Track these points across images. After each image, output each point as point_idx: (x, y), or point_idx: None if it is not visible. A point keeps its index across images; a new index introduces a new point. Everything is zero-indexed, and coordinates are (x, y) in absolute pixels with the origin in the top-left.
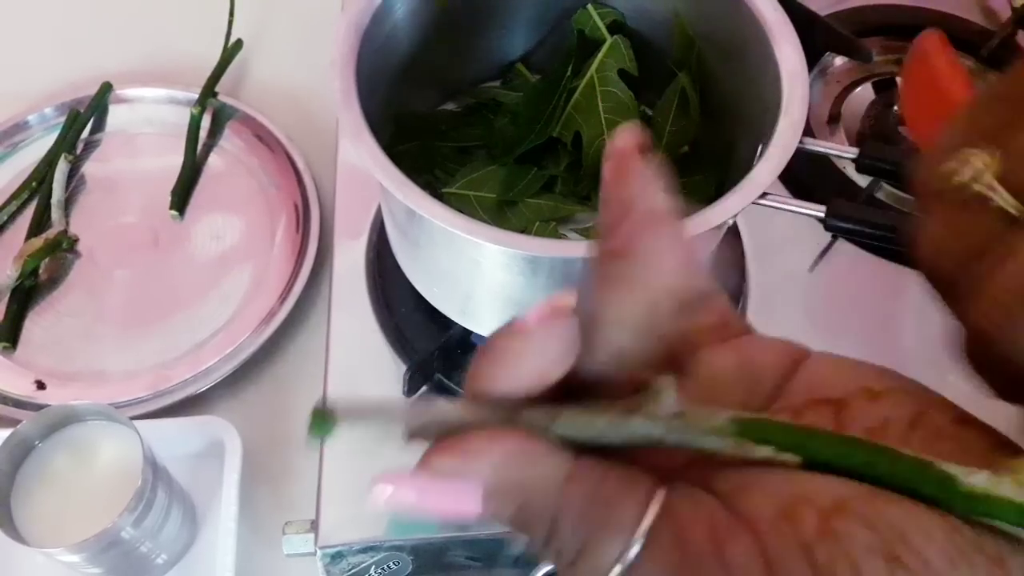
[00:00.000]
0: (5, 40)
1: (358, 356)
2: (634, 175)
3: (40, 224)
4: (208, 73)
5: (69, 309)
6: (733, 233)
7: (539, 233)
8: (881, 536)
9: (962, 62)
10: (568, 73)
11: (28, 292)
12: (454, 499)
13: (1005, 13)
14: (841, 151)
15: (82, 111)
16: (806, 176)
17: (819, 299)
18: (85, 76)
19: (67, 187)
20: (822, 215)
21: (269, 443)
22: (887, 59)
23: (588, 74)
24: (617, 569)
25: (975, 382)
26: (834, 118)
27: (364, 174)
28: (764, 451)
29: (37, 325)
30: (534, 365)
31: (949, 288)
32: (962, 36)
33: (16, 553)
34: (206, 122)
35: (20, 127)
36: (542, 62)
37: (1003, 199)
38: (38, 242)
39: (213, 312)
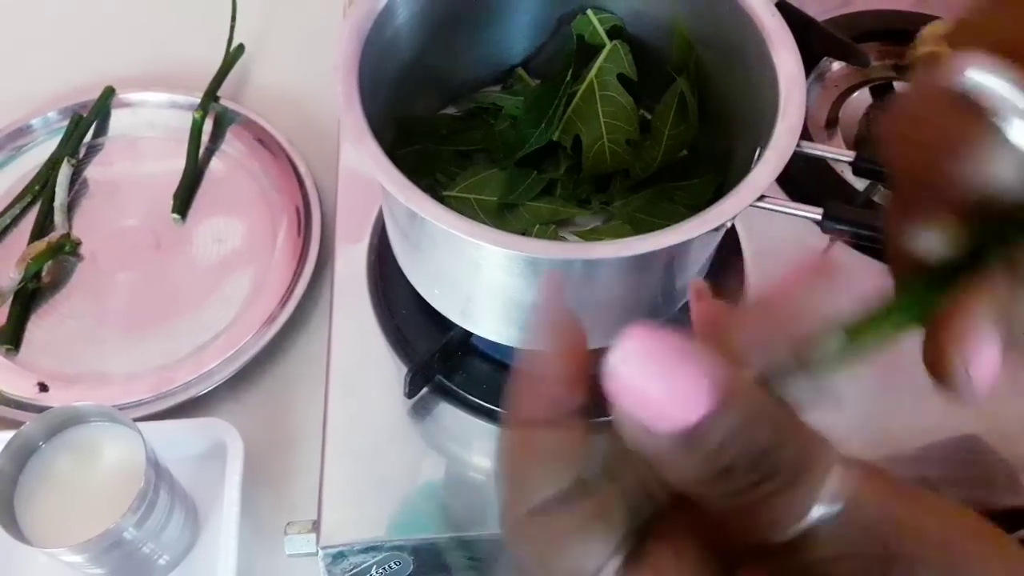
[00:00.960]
0: (9, 44)
1: (359, 358)
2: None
3: (43, 227)
4: (210, 78)
5: (72, 312)
6: (731, 235)
7: (539, 236)
8: None
9: None
10: (568, 78)
11: (31, 295)
12: (683, 388)
13: None
14: (838, 155)
15: (85, 115)
16: (803, 179)
17: None
18: (88, 80)
19: (70, 190)
20: (819, 217)
21: (271, 444)
22: (884, 64)
23: (588, 79)
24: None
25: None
26: (831, 122)
27: (365, 178)
28: None
29: (40, 327)
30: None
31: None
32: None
33: (19, 553)
34: (208, 126)
35: (24, 131)
36: (542, 67)
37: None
38: (41, 245)
39: (215, 315)
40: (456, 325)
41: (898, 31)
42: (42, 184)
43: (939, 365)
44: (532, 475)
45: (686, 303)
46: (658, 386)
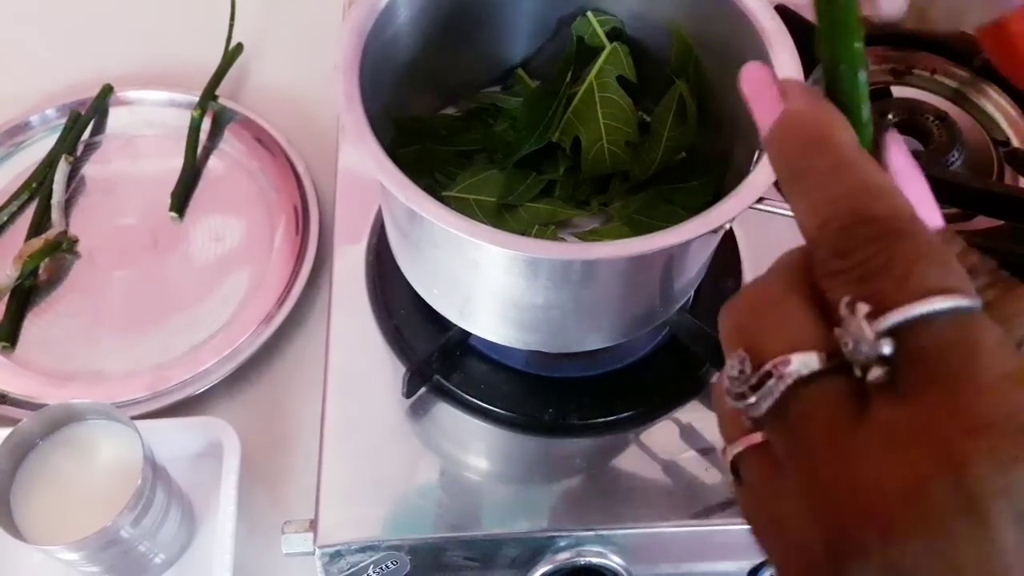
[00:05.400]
0: (7, 42)
1: (357, 357)
2: None
3: (40, 225)
4: (209, 76)
5: (68, 309)
6: (729, 237)
7: (538, 236)
8: None
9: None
10: (567, 79)
11: (27, 292)
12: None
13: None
14: None
15: (83, 113)
16: None
17: None
18: (86, 78)
19: (67, 188)
20: None
21: (268, 444)
22: (881, 69)
23: (587, 80)
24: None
25: None
26: None
27: (364, 178)
28: None
29: (36, 325)
30: None
31: None
32: (955, 47)
33: (15, 551)
34: (206, 125)
35: (21, 128)
36: (542, 68)
37: None
38: (38, 243)
39: (212, 313)
40: (455, 325)
41: (895, 36)
42: (39, 181)
43: None
44: None
45: (685, 303)
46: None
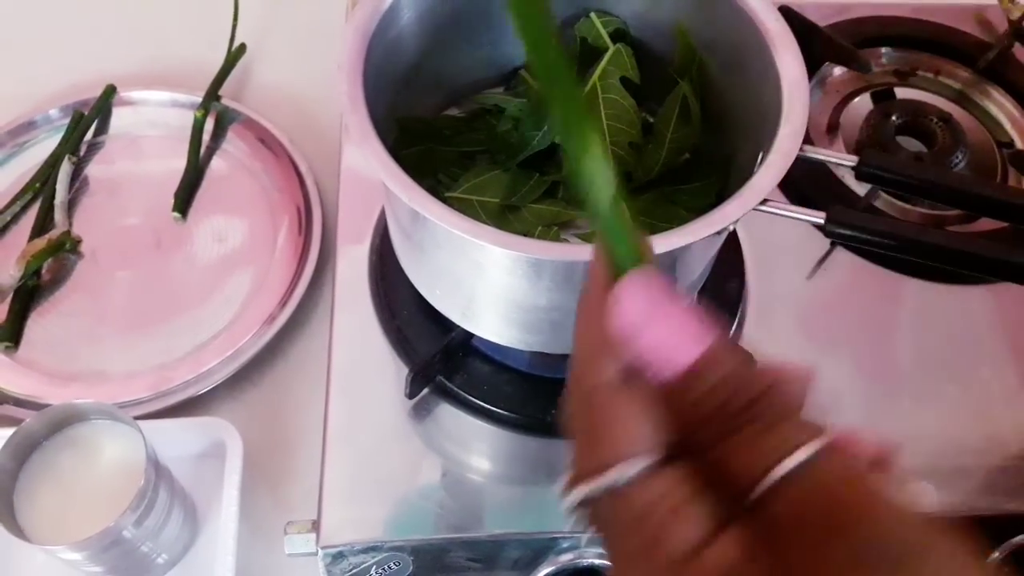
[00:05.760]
0: (11, 42)
1: (360, 358)
2: None
3: (43, 225)
4: (212, 77)
5: (71, 309)
6: (733, 239)
7: (541, 237)
8: None
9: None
10: None
11: (31, 292)
12: (682, 335)
13: (1002, 26)
14: (840, 159)
15: (86, 113)
16: (805, 184)
17: (817, 306)
18: (90, 78)
19: (70, 188)
20: (822, 221)
21: (270, 444)
22: (885, 70)
23: (591, 81)
24: None
25: None
26: (832, 127)
27: (367, 178)
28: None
29: (39, 325)
30: None
31: None
32: (959, 48)
33: (18, 551)
34: (209, 125)
35: (25, 128)
36: None
37: None
38: (41, 243)
39: (215, 314)
40: (457, 326)
41: (899, 38)
42: (43, 181)
43: None
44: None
45: None
46: (663, 326)
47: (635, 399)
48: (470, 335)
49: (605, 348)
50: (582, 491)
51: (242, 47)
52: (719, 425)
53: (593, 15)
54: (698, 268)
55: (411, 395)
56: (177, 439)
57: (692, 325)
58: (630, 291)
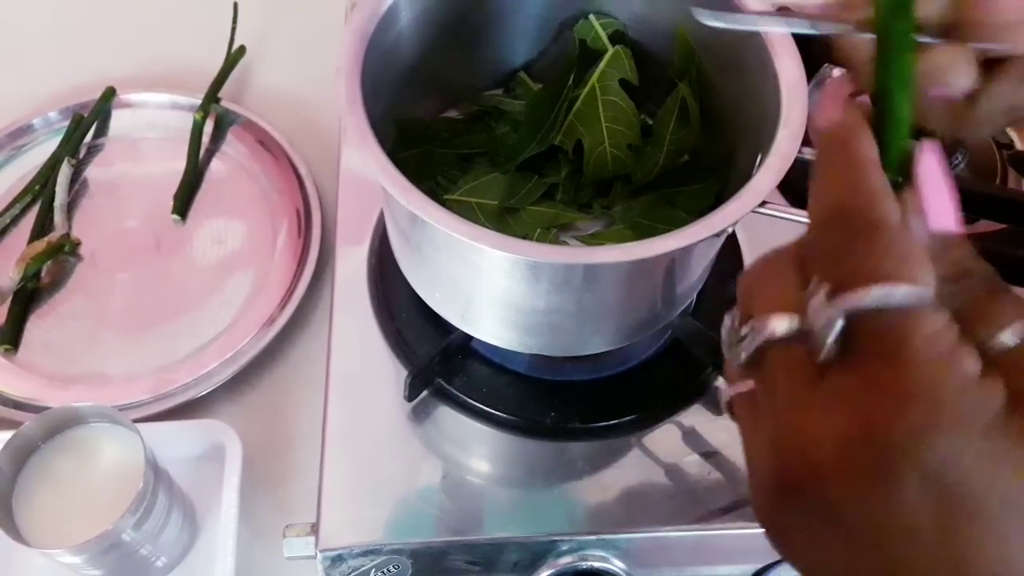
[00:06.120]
0: (10, 44)
1: (359, 360)
2: None
3: (43, 227)
4: (211, 79)
5: (71, 312)
6: (732, 241)
7: (540, 240)
8: None
9: None
10: (570, 82)
11: (30, 295)
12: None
13: None
14: None
15: (86, 115)
16: (804, 186)
17: None
18: (89, 80)
19: (70, 191)
20: None
21: (270, 447)
22: None
23: (590, 83)
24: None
25: None
26: None
27: (366, 180)
28: None
29: (39, 328)
30: None
31: None
32: None
33: (17, 554)
34: (209, 127)
35: (24, 130)
36: (544, 71)
37: None
38: (40, 245)
39: (214, 316)
40: (456, 329)
41: None
42: (42, 184)
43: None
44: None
45: (687, 307)
46: (943, 195)
47: (919, 241)
48: (469, 337)
49: (878, 181)
50: (874, 294)
51: (241, 49)
52: (960, 284)
53: (592, 17)
54: (697, 270)
55: (410, 398)
56: (176, 441)
57: (955, 204)
58: (932, 149)
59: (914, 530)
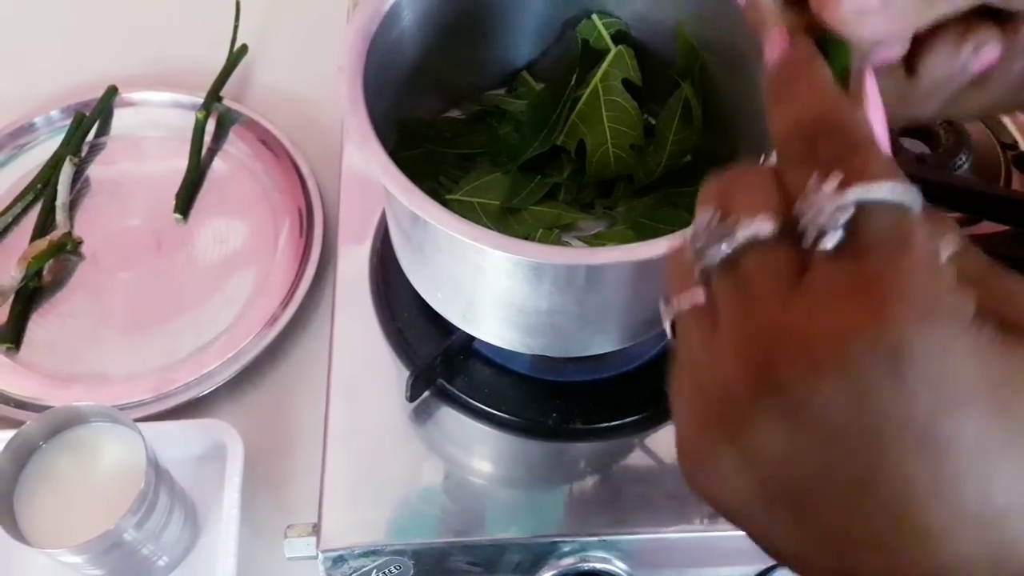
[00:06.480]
0: (12, 43)
1: (361, 360)
2: None
3: (44, 226)
4: (213, 78)
5: (72, 311)
6: None
7: (542, 240)
8: None
9: None
10: (572, 82)
11: (32, 294)
12: None
13: None
14: None
15: (87, 114)
16: None
17: None
18: (91, 79)
19: (72, 189)
20: None
21: (271, 446)
22: None
23: (592, 83)
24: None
25: None
26: None
27: (368, 180)
28: None
29: (40, 327)
30: None
31: None
32: None
33: (18, 554)
34: (211, 126)
35: (26, 129)
36: (547, 71)
37: None
38: (42, 244)
39: (216, 315)
40: (458, 329)
41: None
42: (44, 183)
43: None
44: None
45: None
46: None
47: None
48: (471, 338)
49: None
50: (886, 186)
51: (244, 48)
52: None
53: (595, 17)
54: None
55: (412, 398)
56: (178, 441)
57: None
58: (871, 78)
59: (903, 423)
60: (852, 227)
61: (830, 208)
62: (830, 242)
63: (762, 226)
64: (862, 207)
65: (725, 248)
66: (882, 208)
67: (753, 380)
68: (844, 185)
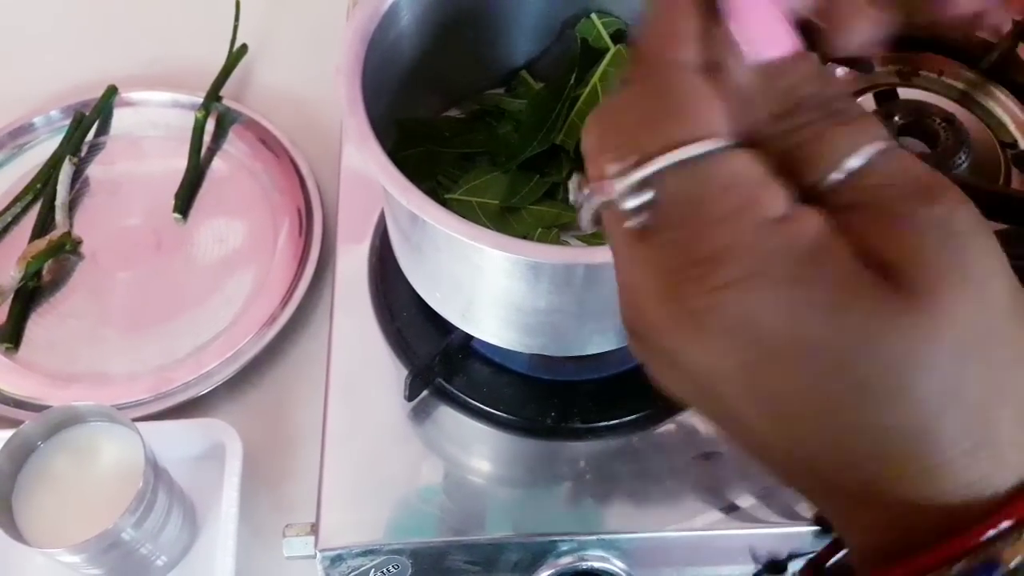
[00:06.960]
0: (12, 43)
1: (359, 360)
2: None
3: (44, 226)
4: (213, 77)
5: (72, 311)
6: None
7: (541, 239)
8: None
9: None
10: (571, 81)
11: (31, 293)
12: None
13: (1006, 26)
14: None
15: (87, 114)
16: None
17: None
18: (90, 79)
19: (71, 189)
20: None
21: (270, 446)
22: (888, 70)
23: (592, 83)
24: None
25: None
26: None
27: (367, 179)
28: None
29: (40, 326)
30: None
31: None
32: (963, 48)
33: (16, 553)
34: (210, 126)
35: (25, 129)
36: (546, 70)
37: None
38: (42, 244)
39: (215, 315)
40: (457, 328)
41: (902, 38)
42: (43, 182)
43: None
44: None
45: None
46: (762, 21)
47: (713, 85)
48: (470, 337)
49: (688, 24)
50: (655, 164)
51: (243, 48)
52: (791, 120)
53: (594, 16)
54: None
55: (410, 397)
56: (177, 441)
57: (782, 26)
58: None
59: (728, 378)
60: (654, 198)
61: (617, 196)
62: (632, 224)
63: (607, 189)
64: (652, 178)
65: (587, 214)
66: (671, 174)
67: (626, 325)
68: (623, 171)
